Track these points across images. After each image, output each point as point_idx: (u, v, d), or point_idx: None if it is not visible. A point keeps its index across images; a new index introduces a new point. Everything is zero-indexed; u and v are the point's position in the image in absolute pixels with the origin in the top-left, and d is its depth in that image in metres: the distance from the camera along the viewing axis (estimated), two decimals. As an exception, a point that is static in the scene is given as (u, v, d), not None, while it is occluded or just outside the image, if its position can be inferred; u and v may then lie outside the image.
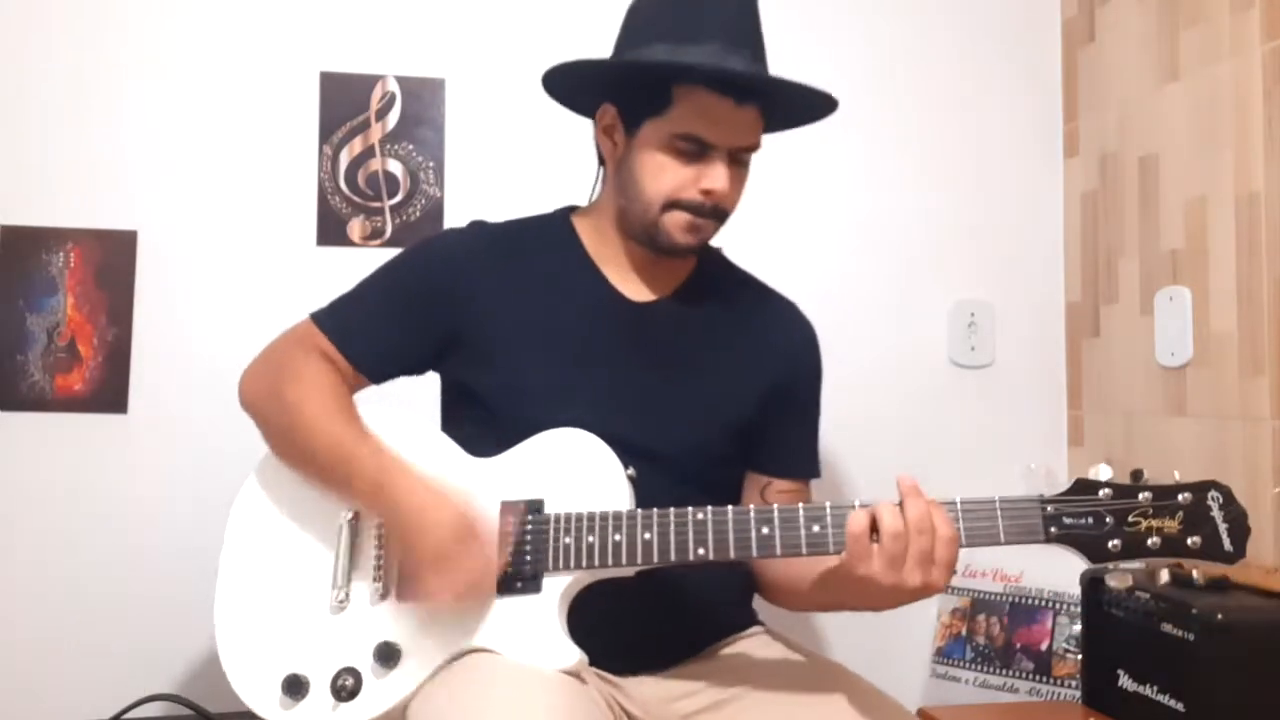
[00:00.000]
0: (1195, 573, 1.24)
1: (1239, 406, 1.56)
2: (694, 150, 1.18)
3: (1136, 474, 1.06)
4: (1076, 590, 1.60)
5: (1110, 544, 1.04)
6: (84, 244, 1.71)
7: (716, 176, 1.18)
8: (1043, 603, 1.72)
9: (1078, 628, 1.65)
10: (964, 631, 1.78)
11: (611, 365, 1.23)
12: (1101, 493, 1.05)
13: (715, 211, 1.21)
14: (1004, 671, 1.72)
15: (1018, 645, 1.72)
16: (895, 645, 1.81)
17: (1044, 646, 1.70)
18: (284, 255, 1.77)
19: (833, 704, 1.14)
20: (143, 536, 1.69)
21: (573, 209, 1.35)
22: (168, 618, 1.67)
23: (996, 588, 1.77)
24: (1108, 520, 1.04)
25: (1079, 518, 1.05)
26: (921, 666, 1.83)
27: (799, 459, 1.35)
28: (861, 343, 1.88)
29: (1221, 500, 1.04)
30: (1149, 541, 1.03)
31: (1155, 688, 1.39)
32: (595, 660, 1.10)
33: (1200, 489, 1.04)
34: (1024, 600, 1.74)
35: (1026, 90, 2.00)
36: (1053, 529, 1.06)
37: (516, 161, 1.83)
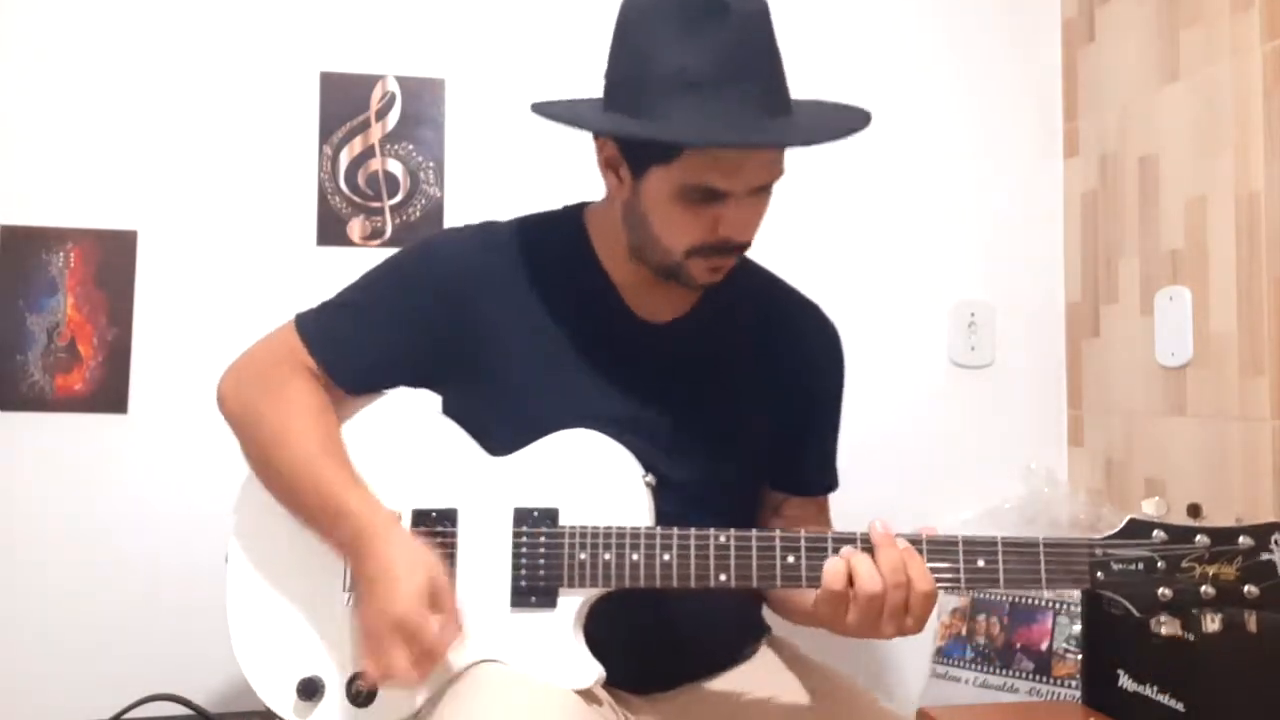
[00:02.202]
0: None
1: (1239, 406, 1.56)
2: (708, 197, 1.06)
3: (1194, 509, 0.98)
4: (1076, 590, 1.60)
5: (1160, 592, 0.96)
6: (84, 244, 1.71)
7: (736, 224, 1.08)
8: (1043, 602, 1.72)
9: (1078, 628, 1.65)
10: (964, 631, 1.78)
11: (627, 393, 1.16)
12: (1155, 534, 0.97)
13: (739, 248, 1.13)
14: (1004, 671, 1.72)
15: (1018, 645, 1.72)
16: (895, 645, 1.81)
17: (1044, 646, 1.70)
18: (284, 255, 1.76)
19: (838, 717, 1.14)
20: (142, 536, 1.69)
21: (584, 206, 1.26)
22: (168, 617, 1.67)
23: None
24: (1159, 565, 0.96)
25: (1129, 563, 0.96)
26: (921, 666, 1.83)
27: (816, 476, 1.30)
28: (861, 343, 1.87)
29: None
30: (1202, 590, 0.95)
31: (1155, 688, 1.39)
32: (611, 681, 1.08)
33: (1263, 532, 0.95)
34: (1024, 600, 1.74)
35: (1026, 90, 2.00)
36: (1099, 574, 0.97)
37: (516, 161, 1.83)
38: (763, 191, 1.10)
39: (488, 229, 1.23)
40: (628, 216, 1.14)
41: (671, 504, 1.11)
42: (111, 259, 1.72)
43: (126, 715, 1.51)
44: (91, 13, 1.74)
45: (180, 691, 1.55)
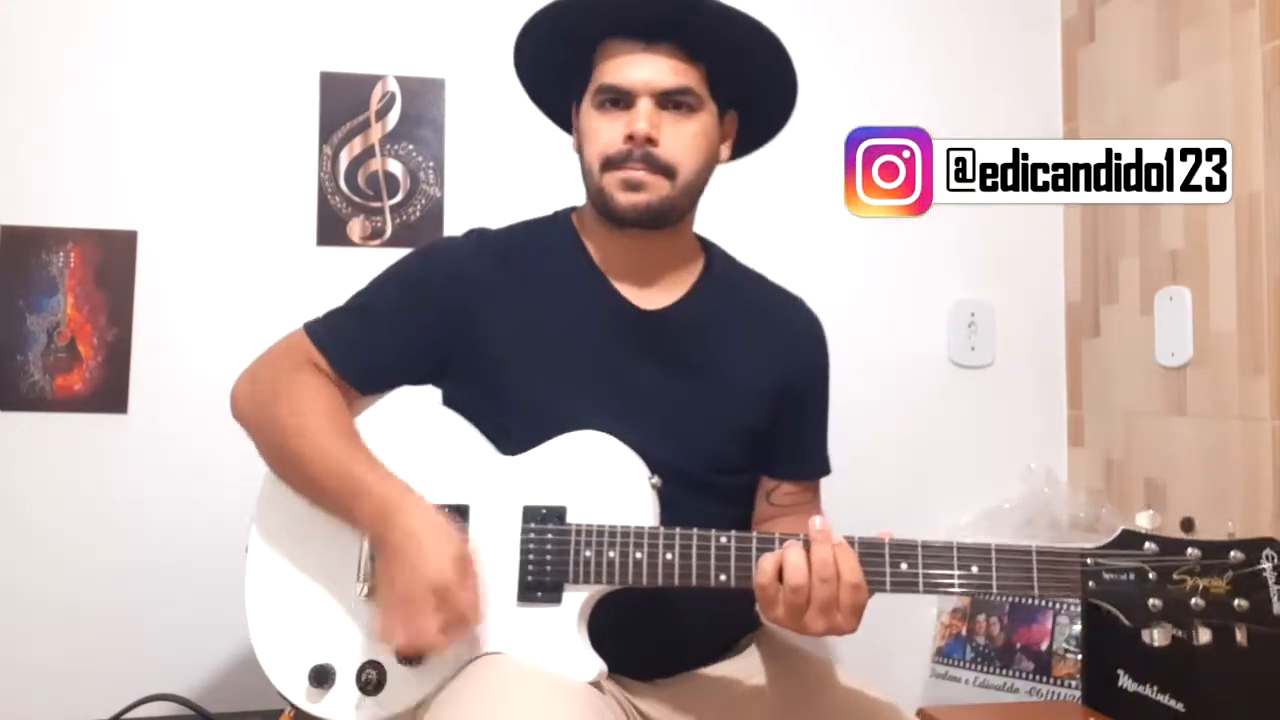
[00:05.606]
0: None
1: (1239, 406, 1.55)
2: (617, 102, 1.17)
3: (1187, 523, 0.99)
4: (1075, 599, 1.60)
5: (1150, 603, 0.97)
6: (84, 244, 1.71)
7: (635, 118, 1.15)
8: (1043, 603, 1.72)
9: (1078, 628, 1.65)
10: (964, 631, 1.78)
11: (625, 378, 1.20)
12: (1146, 546, 0.98)
13: (648, 159, 1.16)
14: (1004, 671, 1.72)
15: (1018, 645, 1.72)
16: (895, 645, 1.81)
17: (1044, 646, 1.70)
18: (284, 255, 1.76)
19: (835, 708, 1.15)
20: (142, 536, 1.69)
21: (574, 209, 1.31)
22: (168, 617, 1.67)
23: (996, 588, 1.77)
24: (1150, 577, 0.98)
25: (1120, 574, 0.98)
26: (921, 666, 1.83)
27: (808, 462, 1.33)
28: (861, 343, 1.88)
29: (1277, 559, 0.96)
30: (1192, 602, 0.96)
31: (1155, 688, 1.39)
32: (614, 667, 1.10)
33: (1254, 546, 0.96)
34: (1024, 600, 1.74)
35: (1026, 90, 2.00)
36: (1091, 584, 0.99)
37: (516, 161, 1.83)
38: (677, 109, 1.18)
39: (482, 234, 1.28)
40: (581, 167, 1.23)
41: (678, 487, 1.14)
42: (111, 259, 1.72)
43: (126, 715, 1.51)
44: (91, 13, 1.74)
45: (180, 691, 1.55)
